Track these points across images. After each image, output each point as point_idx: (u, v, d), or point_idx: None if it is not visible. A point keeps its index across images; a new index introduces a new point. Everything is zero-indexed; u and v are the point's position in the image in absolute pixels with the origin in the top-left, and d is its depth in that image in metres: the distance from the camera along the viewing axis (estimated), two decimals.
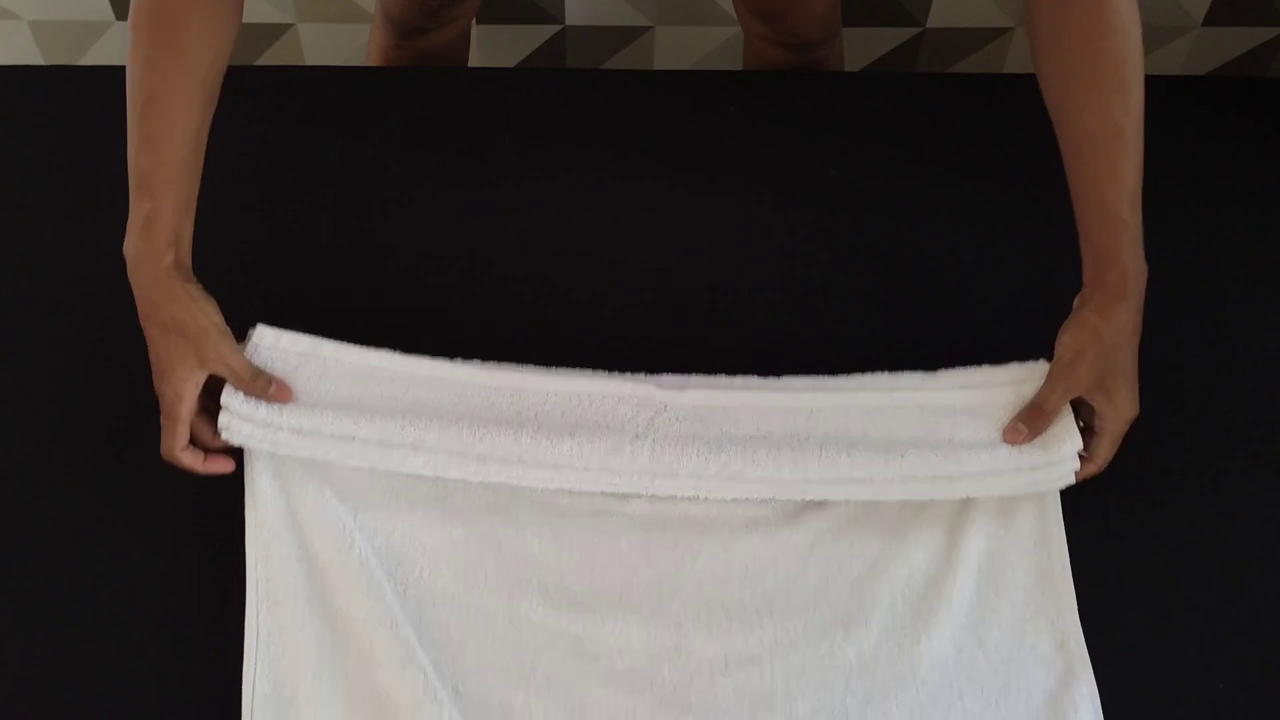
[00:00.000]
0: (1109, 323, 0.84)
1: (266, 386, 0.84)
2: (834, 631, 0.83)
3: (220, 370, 0.82)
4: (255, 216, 1.03)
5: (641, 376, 0.89)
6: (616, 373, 0.90)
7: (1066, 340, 0.85)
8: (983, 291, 1.00)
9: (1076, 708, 0.80)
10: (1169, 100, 1.12)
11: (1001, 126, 1.11)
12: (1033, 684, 0.82)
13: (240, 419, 0.83)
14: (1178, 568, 0.87)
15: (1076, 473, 0.85)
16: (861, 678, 0.81)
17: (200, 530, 0.86)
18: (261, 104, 1.08)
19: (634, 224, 1.04)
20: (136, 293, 0.82)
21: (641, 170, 1.08)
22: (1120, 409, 0.84)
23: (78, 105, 1.11)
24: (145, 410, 0.85)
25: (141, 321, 0.82)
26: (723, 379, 0.90)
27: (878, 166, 1.09)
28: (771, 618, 0.83)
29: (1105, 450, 0.85)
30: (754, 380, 0.89)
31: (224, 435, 0.83)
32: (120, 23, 1.58)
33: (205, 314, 0.82)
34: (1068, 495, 0.88)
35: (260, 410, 0.83)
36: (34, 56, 1.62)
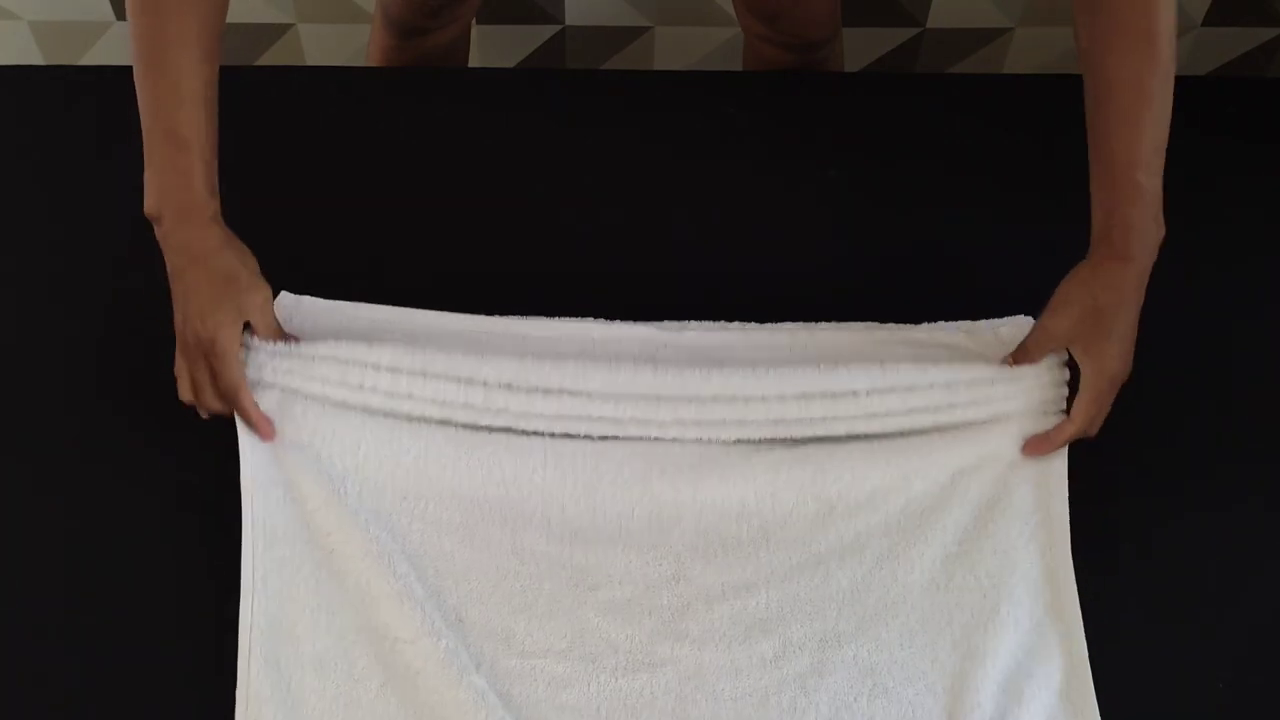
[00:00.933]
0: (1104, 280, 0.83)
1: (282, 339, 0.86)
2: (828, 560, 0.84)
3: (256, 319, 0.85)
4: (255, 216, 1.02)
5: (643, 323, 0.92)
6: (617, 320, 0.93)
7: (1060, 290, 0.85)
8: (983, 291, 1.00)
9: (1064, 634, 0.82)
10: None
11: (1001, 126, 1.11)
12: (1021, 611, 0.83)
13: (255, 349, 0.85)
14: (1178, 568, 0.87)
15: (1059, 432, 0.85)
16: (854, 604, 0.83)
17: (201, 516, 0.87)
18: (261, 104, 1.08)
19: (634, 224, 1.04)
20: (175, 247, 0.83)
21: (641, 170, 1.08)
22: (1103, 367, 0.83)
23: (78, 105, 1.11)
24: (146, 409, 0.85)
25: (180, 271, 0.83)
26: (720, 324, 0.93)
27: (877, 166, 1.09)
28: (768, 548, 0.85)
29: (1084, 408, 0.84)
30: (751, 325, 0.93)
31: (248, 364, 0.85)
32: (121, 23, 1.58)
33: (245, 264, 0.85)
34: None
35: (275, 343, 0.86)
36: (34, 56, 1.62)
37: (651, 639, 0.82)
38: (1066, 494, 0.86)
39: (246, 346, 0.85)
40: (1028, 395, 0.86)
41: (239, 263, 0.84)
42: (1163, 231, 0.83)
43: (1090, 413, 0.84)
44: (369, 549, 0.81)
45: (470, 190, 1.06)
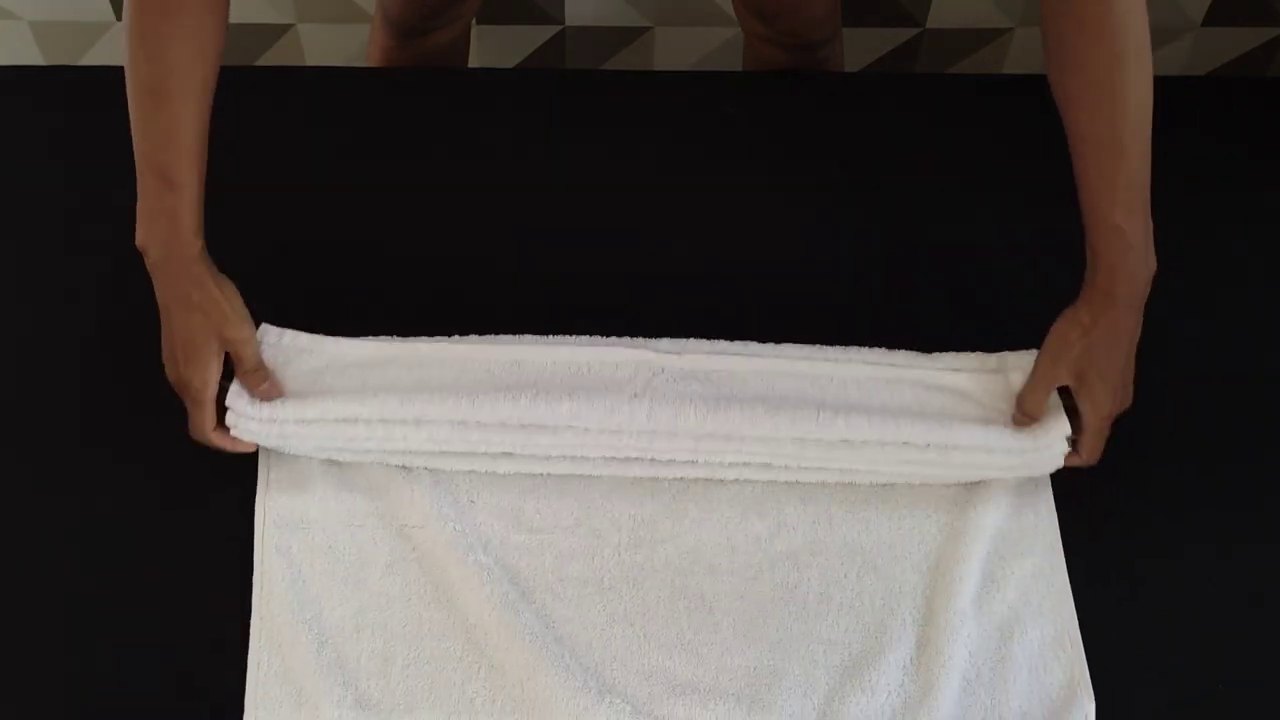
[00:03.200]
0: (1097, 321, 0.84)
1: (261, 381, 0.86)
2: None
3: (232, 351, 0.85)
4: (255, 216, 1.02)
5: (639, 341, 0.92)
6: (614, 337, 0.92)
7: (1054, 331, 0.86)
8: (983, 291, 1.00)
9: (1037, 524, 0.87)
10: (1169, 100, 1.12)
11: (1001, 127, 1.11)
12: (1002, 497, 0.88)
13: (246, 417, 0.85)
14: (1177, 567, 0.87)
15: (1065, 458, 0.86)
16: (846, 490, 0.88)
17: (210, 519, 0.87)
18: (261, 104, 1.08)
19: (634, 224, 1.04)
20: (162, 281, 0.84)
21: (641, 170, 1.08)
22: (1097, 406, 0.85)
23: (78, 105, 1.11)
24: (145, 408, 0.85)
25: (166, 308, 0.85)
26: (721, 343, 0.92)
27: (877, 167, 1.09)
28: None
29: (1088, 444, 0.86)
30: (752, 346, 0.92)
31: (233, 433, 0.85)
32: (120, 23, 1.58)
33: (229, 298, 0.85)
34: (1067, 495, 0.88)
35: (264, 409, 0.85)
36: (34, 56, 1.62)
37: (654, 517, 0.87)
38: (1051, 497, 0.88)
39: (236, 412, 0.85)
40: (1026, 469, 0.87)
41: (221, 298, 0.85)
42: (1153, 266, 0.85)
43: (1094, 448, 0.86)
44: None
45: (470, 190, 1.06)
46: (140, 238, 0.84)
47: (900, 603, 0.84)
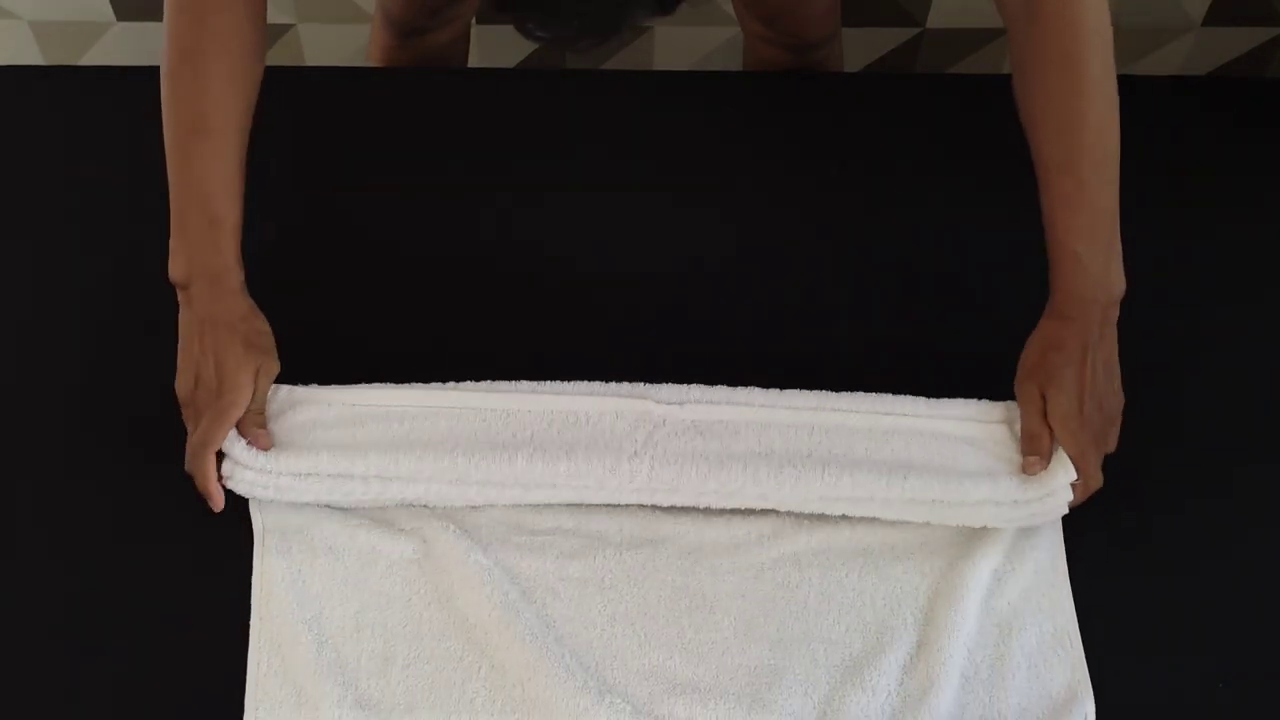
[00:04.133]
0: (1052, 337, 0.86)
1: (260, 424, 0.86)
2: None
3: (258, 385, 0.86)
4: (255, 216, 1.02)
5: (640, 387, 0.89)
6: (613, 383, 0.89)
7: (1025, 349, 0.88)
8: (983, 291, 1.00)
9: (1045, 532, 0.87)
10: (1169, 100, 1.12)
11: (1001, 126, 1.10)
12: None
13: (243, 466, 0.85)
14: (1177, 567, 0.87)
15: (1070, 502, 0.86)
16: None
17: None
18: (261, 104, 1.08)
19: (634, 224, 1.04)
20: (205, 310, 0.86)
21: (641, 170, 1.08)
22: (1065, 420, 0.84)
23: (78, 105, 1.11)
24: (145, 406, 0.85)
25: (203, 331, 0.86)
26: (722, 390, 0.89)
27: (877, 167, 1.09)
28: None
29: (1079, 465, 0.85)
30: (755, 394, 0.89)
31: (227, 483, 0.85)
32: (120, 23, 1.58)
33: (267, 336, 0.88)
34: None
35: (260, 459, 0.84)
36: (34, 56, 1.62)
37: (655, 517, 0.87)
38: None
39: (234, 462, 0.85)
40: (1032, 519, 0.86)
41: (262, 333, 0.87)
42: (1118, 288, 0.86)
43: (1081, 468, 0.85)
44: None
45: (470, 190, 1.06)
46: (179, 273, 0.86)
47: (901, 603, 0.84)
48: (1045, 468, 0.85)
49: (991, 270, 1.01)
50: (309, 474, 0.85)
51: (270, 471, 0.84)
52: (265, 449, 0.85)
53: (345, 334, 0.92)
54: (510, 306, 0.98)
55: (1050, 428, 0.85)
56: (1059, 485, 0.84)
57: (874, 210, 1.06)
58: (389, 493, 0.85)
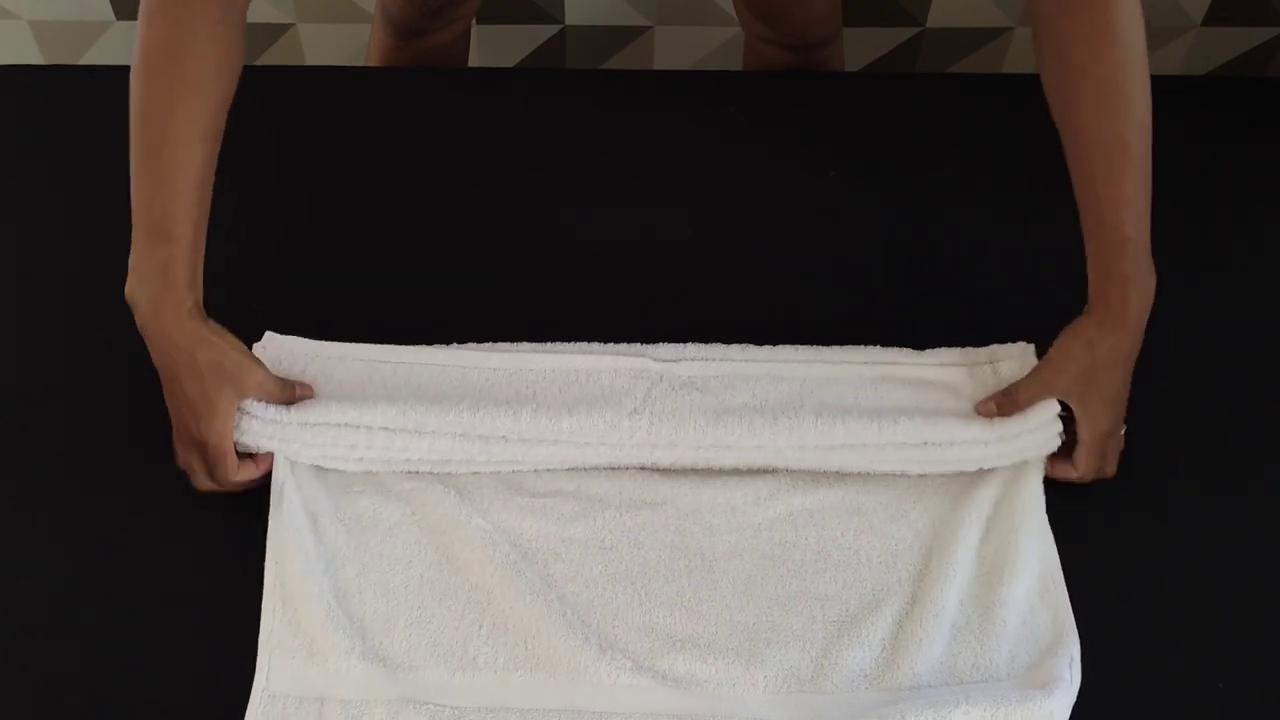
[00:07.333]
0: (1104, 339, 0.85)
1: (293, 392, 0.86)
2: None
3: (259, 395, 0.84)
4: (255, 216, 1.03)
5: (637, 346, 0.92)
6: (612, 343, 0.93)
7: (1060, 343, 0.87)
8: (983, 291, 1.00)
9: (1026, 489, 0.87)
10: (1169, 100, 1.12)
11: (1001, 126, 1.11)
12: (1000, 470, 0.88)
13: (250, 415, 0.85)
14: (1176, 568, 0.87)
15: (1061, 476, 0.87)
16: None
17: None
18: (261, 104, 1.08)
19: (634, 224, 1.04)
20: (155, 337, 0.81)
21: (641, 170, 1.08)
22: (1095, 423, 0.85)
23: (78, 105, 1.11)
24: (144, 405, 0.85)
25: (164, 366, 0.82)
26: (718, 348, 0.93)
27: (878, 167, 1.09)
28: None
29: (1083, 459, 0.87)
30: (749, 349, 0.93)
31: (237, 435, 0.85)
32: (120, 23, 1.58)
33: (233, 347, 0.83)
34: (1065, 500, 0.88)
35: (270, 410, 0.85)
36: (34, 56, 1.62)
37: (654, 480, 0.88)
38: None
39: (241, 411, 0.84)
40: (1022, 453, 0.88)
41: (224, 349, 0.82)
42: (1154, 277, 0.85)
43: (1089, 463, 0.87)
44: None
45: (470, 190, 1.06)
46: (128, 290, 0.81)
47: (896, 560, 0.85)
48: (994, 418, 0.87)
49: (992, 269, 1.01)
50: (317, 424, 0.85)
51: (278, 422, 0.85)
52: (310, 397, 0.87)
53: (346, 333, 0.92)
54: (511, 305, 0.98)
55: (1033, 394, 0.86)
56: (1047, 418, 0.86)
57: (874, 210, 1.06)
58: (394, 445, 0.86)
